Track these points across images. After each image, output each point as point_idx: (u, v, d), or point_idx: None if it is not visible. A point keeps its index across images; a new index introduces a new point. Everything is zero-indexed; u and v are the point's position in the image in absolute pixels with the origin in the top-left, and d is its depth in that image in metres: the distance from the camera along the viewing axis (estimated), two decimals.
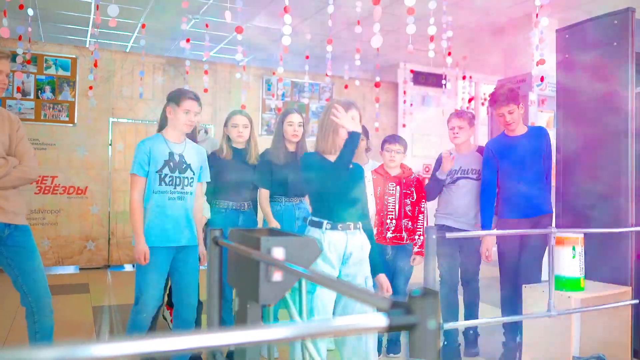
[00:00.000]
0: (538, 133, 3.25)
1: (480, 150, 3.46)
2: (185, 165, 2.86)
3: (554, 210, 3.27)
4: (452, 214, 3.40)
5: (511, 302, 3.21)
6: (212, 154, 3.34)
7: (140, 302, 2.76)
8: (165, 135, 2.88)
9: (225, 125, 3.42)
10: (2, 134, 2.62)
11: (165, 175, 2.80)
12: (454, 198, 3.40)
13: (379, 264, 2.54)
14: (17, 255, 2.63)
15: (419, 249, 3.34)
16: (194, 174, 2.90)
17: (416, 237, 3.39)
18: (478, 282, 3.45)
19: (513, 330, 3.23)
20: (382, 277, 2.53)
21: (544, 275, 3.05)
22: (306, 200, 3.34)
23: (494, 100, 3.21)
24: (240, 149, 3.40)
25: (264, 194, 3.32)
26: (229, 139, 3.40)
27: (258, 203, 3.39)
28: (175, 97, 2.84)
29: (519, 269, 3.18)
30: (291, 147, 3.37)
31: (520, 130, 3.26)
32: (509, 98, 3.16)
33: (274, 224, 3.23)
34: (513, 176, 3.22)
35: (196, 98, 2.86)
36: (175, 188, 2.83)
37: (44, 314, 2.65)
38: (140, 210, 2.77)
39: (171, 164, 2.82)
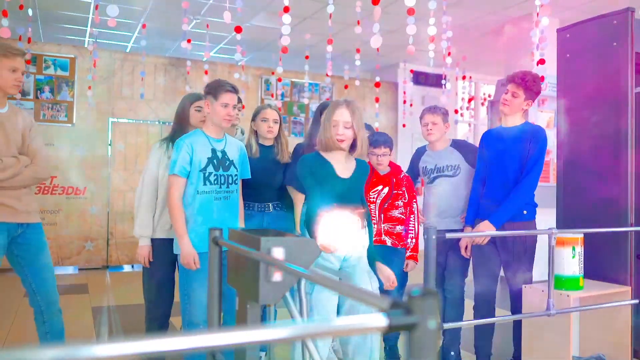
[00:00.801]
0: (531, 130, 2.96)
1: (454, 144, 3.31)
2: (228, 162, 2.69)
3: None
4: (430, 217, 3.25)
5: (484, 307, 3.04)
6: None
7: (193, 316, 2.57)
8: (206, 131, 2.68)
9: (254, 119, 3.19)
10: (15, 132, 2.62)
11: (210, 174, 2.62)
12: (430, 201, 3.25)
13: (374, 252, 2.50)
14: (27, 253, 2.63)
15: (412, 253, 3.15)
16: (237, 171, 2.73)
17: (408, 240, 3.15)
18: (462, 289, 3.23)
19: (484, 332, 3.07)
20: (380, 265, 2.46)
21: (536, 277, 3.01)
22: None
23: (512, 74, 2.98)
24: (268, 146, 3.18)
25: (299, 198, 3.05)
26: (256, 135, 3.18)
27: (294, 207, 3.11)
28: (213, 90, 2.63)
29: (503, 274, 3.00)
30: None
31: (515, 122, 3.02)
32: (523, 82, 2.92)
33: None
34: (489, 170, 3.02)
35: (234, 90, 2.66)
36: (220, 187, 2.65)
37: (52, 312, 2.65)
38: (182, 212, 2.57)
39: (215, 161, 2.64)
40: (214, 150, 2.64)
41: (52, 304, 2.65)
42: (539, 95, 3.04)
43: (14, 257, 2.62)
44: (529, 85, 2.93)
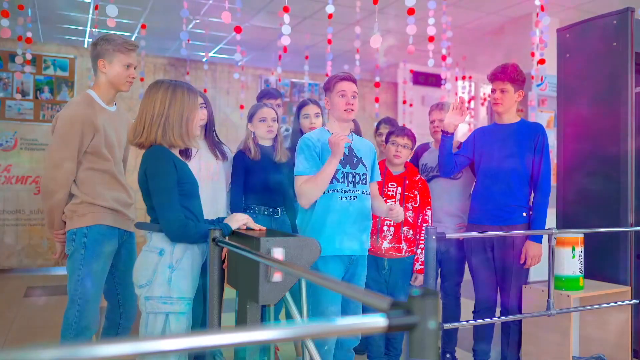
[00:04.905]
0: (531, 128, 2.88)
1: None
2: (356, 159, 2.46)
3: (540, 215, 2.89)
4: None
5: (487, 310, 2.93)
6: (240, 153, 2.97)
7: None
8: (329, 128, 2.48)
9: (250, 120, 3.01)
10: (123, 133, 2.54)
11: (336, 170, 2.37)
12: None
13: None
14: (123, 262, 2.50)
15: (422, 267, 2.83)
16: (366, 170, 2.48)
17: (419, 251, 2.89)
18: (458, 290, 3.15)
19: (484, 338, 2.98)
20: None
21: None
22: None
23: (493, 72, 2.91)
24: (267, 146, 3.02)
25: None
26: (254, 136, 3.00)
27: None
28: (327, 84, 2.47)
29: (498, 277, 2.89)
30: None
31: (511, 119, 2.93)
32: (507, 75, 2.86)
33: None
34: (487, 171, 2.89)
35: (351, 79, 2.45)
36: (347, 186, 2.39)
37: (128, 328, 2.56)
38: None
39: (342, 158, 2.39)
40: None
41: (131, 319, 2.56)
42: (525, 83, 2.96)
43: (110, 265, 2.48)
44: (514, 76, 2.87)
